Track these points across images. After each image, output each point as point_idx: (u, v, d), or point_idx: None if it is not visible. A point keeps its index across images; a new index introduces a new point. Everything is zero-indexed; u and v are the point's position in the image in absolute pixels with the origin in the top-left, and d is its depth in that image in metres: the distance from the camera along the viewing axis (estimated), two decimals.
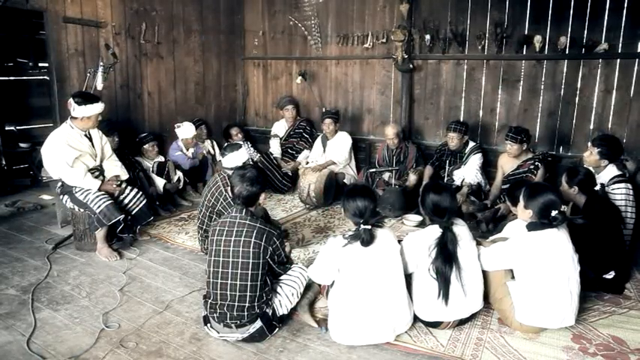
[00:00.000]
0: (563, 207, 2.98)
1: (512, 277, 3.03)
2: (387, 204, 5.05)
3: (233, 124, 6.88)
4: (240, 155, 3.98)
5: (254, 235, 2.83)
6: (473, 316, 3.07)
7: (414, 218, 4.90)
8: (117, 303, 3.34)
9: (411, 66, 5.78)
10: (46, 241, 4.43)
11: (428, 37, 5.67)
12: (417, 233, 3.01)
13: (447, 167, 5.24)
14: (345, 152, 5.95)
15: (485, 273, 3.06)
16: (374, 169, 5.58)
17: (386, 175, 5.53)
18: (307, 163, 6.20)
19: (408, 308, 2.90)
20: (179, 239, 4.53)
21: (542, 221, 2.91)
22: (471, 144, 5.25)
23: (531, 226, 2.94)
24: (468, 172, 5.13)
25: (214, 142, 6.51)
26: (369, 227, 2.77)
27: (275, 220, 4.66)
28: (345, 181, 5.81)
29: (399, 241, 2.98)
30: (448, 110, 5.83)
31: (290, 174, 6.17)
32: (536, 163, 4.69)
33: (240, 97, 7.39)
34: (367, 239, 2.76)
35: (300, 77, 6.55)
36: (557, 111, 5.22)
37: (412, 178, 5.32)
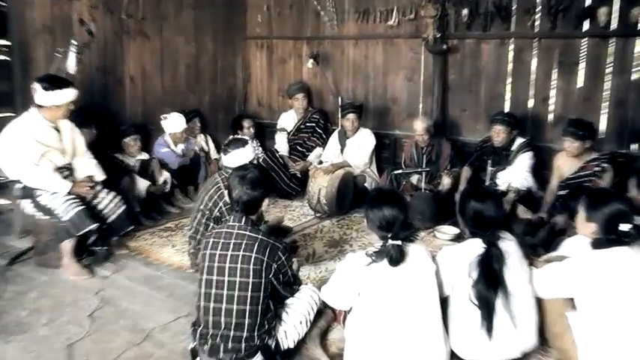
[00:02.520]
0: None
1: (574, 307, 2.94)
2: (415, 212, 5.00)
3: (246, 116, 6.91)
4: (246, 154, 3.98)
5: (255, 248, 2.82)
6: (525, 357, 2.99)
7: (448, 230, 4.83)
8: (85, 332, 3.31)
9: (444, 47, 5.73)
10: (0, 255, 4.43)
11: (465, 11, 5.58)
12: (453, 248, 2.99)
13: (488, 168, 5.16)
14: (365, 155, 5.93)
15: (539, 301, 3.00)
16: (400, 171, 5.54)
17: (414, 178, 5.49)
18: (320, 162, 6.18)
19: (443, 342, 2.84)
20: (164, 253, 4.51)
21: (608, 237, 2.82)
22: (519, 140, 5.17)
23: (595, 244, 2.86)
24: (516, 175, 5.04)
25: (209, 138, 6.53)
26: (399, 243, 2.73)
27: (286, 225, 4.65)
28: (365, 185, 5.78)
29: (433, 258, 2.95)
30: (490, 100, 5.76)
31: (299, 176, 6.15)
32: (603, 165, 4.58)
33: (240, 84, 7.37)
34: (396, 257, 2.71)
35: (311, 60, 6.53)
36: (628, 99, 5.10)
37: (446, 181, 5.27)
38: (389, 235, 2.74)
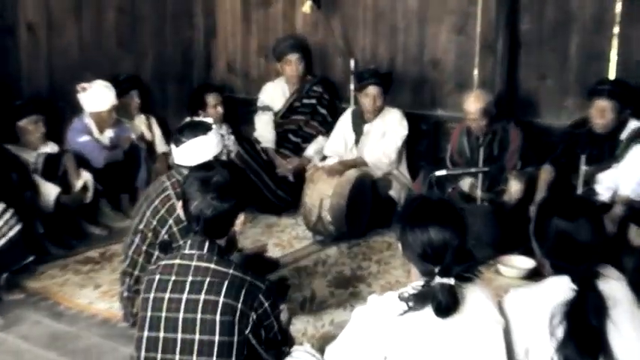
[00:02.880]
0: None
1: None
2: (468, 235, 4.97)
3: (212, 87, 6.91)
4: (209, 145, 3.98)
5: (224, 290, 2.79)
6: None
7: (519, 263, 4.88)
8: None
9: None
10: None
11: None
12: (526, 292, 2.95)
13: (583, 167, 5.15)
14: (392, 149, 5.96)
15: None
16: (443, 172, 5.51)
17: (465, 183, 5.57)
18: (324, 159, 6.22)
19: None
20: (83, 298, 4.53)
21: None
22: (633, 124, 5.14)
23: None
24: (627, 178, 5.01)
25: (153, 120, 6.57)
26: (452, 282, 2.68)
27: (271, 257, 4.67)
28: (391, 193, 5.82)
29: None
30: (585, 60, 5.77)
31: (291, 179, 6.22)
32: None
33: (200, 39, 7.46)
34: (447, 304, 2.65)
35: (309, 3, 6.56)
36: None
37: (515, 187, 5.31)
38: (436, 270, 2.69)
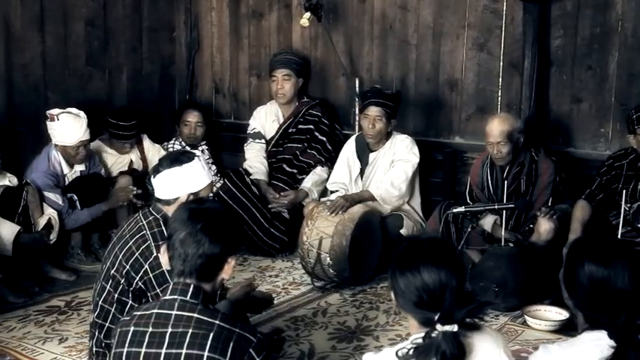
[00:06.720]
0: None
1: None
2: (489, 282, 5.02)
3: (196, 105, 7.02)
4: (193, 176, 3.95)
5: (209, 342, 2.75)
6: None
7: (549, 314, 4.89)
8: None
9: None
10: None
11: None
12: (557, 349, 2.92)
13: (623, 204, 5.12)
14: (402, 181, 5.94)
15: None
16: (462, 209, 5.53)
17: (487, 221, 5.60)
18: (324, 194, 6.27)
19: None
20: (45, 354, 4.50)
21: None
22: None
23: None
24: None
25: (146, 140, 6.61)
26: (455, 329, 2.67)
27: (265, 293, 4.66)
28: (402, 231, 5.80)
29: None
30: (626, 80, 5.79)
31: (286, 216, 6.23)
32: None
33: (182, 55, 7.51)
34: (452, 353, 2.63)
35: (308, 14, 6.56)
36: None
37: (545, 226, 5.33)
38: (435, 317, 2.67)
